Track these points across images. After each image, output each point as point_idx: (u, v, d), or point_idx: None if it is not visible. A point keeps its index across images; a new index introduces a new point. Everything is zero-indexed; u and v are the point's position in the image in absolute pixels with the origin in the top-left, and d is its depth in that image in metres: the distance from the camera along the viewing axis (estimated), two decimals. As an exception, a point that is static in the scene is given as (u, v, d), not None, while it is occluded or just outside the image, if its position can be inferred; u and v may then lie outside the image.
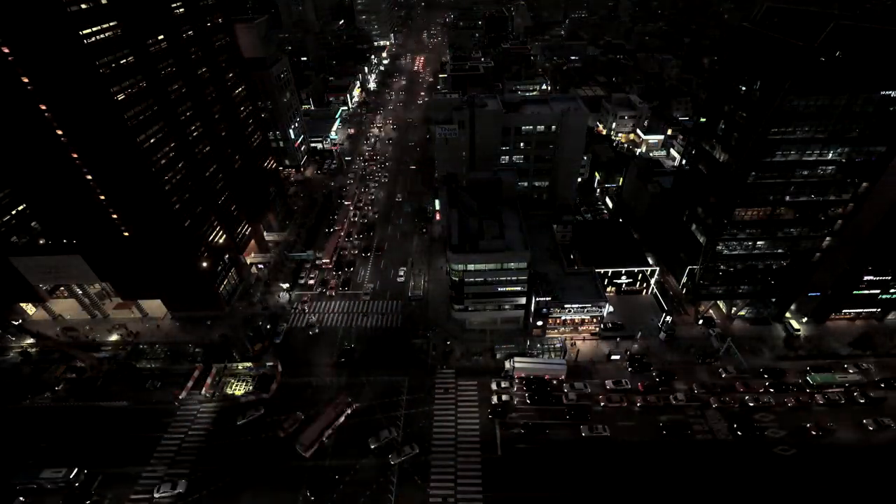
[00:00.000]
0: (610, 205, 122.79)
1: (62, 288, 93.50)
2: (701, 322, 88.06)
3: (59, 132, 66.24)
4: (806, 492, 62.36)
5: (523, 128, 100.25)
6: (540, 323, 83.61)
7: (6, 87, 61.75)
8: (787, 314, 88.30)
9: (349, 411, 72.55)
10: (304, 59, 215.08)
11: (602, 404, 73.93)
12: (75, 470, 64.63)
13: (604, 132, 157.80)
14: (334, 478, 64.57)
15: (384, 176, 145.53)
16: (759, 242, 78.76)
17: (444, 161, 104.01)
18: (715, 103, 79.55)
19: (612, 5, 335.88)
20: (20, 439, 70.51)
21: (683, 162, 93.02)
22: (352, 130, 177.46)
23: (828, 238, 78.16)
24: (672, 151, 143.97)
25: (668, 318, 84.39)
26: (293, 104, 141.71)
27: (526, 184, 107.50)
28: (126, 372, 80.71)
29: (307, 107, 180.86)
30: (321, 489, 63.12)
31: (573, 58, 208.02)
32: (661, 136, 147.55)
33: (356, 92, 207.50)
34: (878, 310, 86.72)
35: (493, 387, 77.04)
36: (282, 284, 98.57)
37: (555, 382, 77.25)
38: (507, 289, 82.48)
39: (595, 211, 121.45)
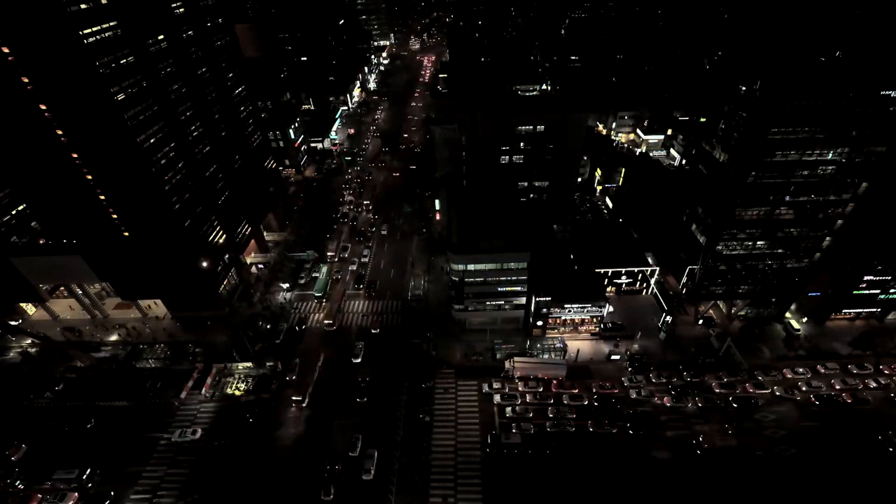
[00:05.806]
0: (610, 205, 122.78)
1: (62, 288, 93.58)
2: (701, 322, 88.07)
3: (59, 132, 66.13)
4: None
5: (523, 128, 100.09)
6: (540, 323, 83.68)
7: (6, 87, 61.68)
8: (788, 314, 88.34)
9: None
10: (304, 58, 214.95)
11: None
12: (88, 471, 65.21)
13: (604, 132, 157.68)
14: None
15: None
16: (759, 242, 78.80)
17: (444, 161, 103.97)
18: (715, 103, 79.50)
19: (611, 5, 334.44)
20: (19, 439, 70.48)
21: (683, 162, 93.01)
22: (351, 130, 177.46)
23: (828, 238, 78.17)
24: (672, 151, 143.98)
25: (668, 318, 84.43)
26: (293, 104, 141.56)
27: (526, 184, 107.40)
28: (126, 372, 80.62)
29: (307, 107, 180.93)
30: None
31: (573, 58, 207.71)
32: (661, 136, 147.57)
33: (356, 92, 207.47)
34: (878, 310, 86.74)
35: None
36: (282, 284, 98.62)
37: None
38: (507, 289, 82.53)
39: (595, 211, 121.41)
